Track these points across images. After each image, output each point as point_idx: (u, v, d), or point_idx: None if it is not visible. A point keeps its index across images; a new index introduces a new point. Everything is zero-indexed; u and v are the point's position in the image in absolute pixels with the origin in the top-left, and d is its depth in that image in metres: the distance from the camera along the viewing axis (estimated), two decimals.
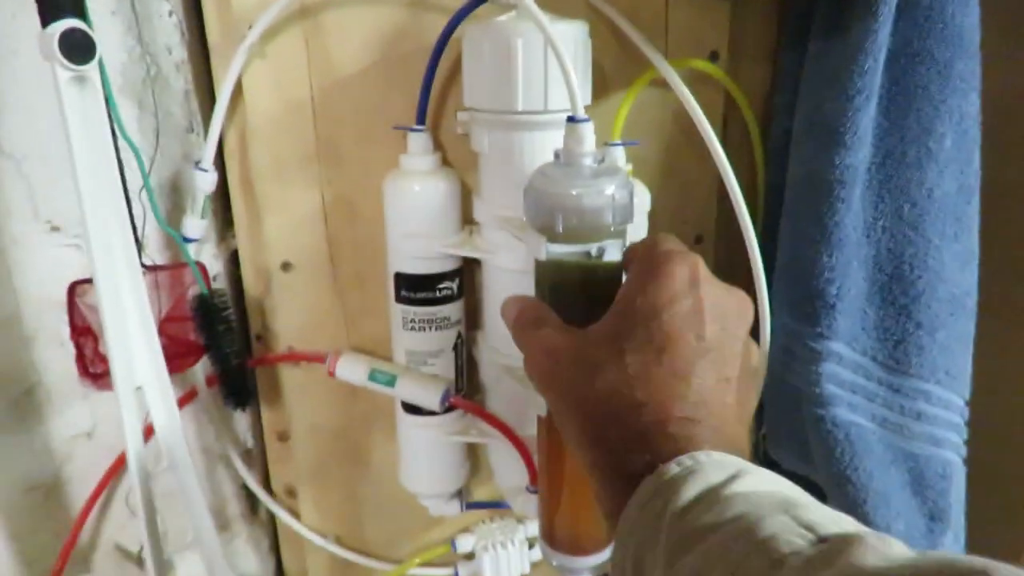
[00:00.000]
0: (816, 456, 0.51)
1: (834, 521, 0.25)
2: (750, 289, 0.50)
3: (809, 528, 0.24)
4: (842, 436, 0.48)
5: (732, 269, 0.59)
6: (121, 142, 0.43)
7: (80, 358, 0.47)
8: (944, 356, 0.49)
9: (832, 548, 0.23)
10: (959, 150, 0.47)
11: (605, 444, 0.30)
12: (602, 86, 0.51)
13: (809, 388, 0.49)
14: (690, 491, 0.27)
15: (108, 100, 0.40)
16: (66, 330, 0.50)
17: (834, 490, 0.50)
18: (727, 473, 0.27)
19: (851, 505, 0.49)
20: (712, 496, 0.26)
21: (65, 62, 0.37)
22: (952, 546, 0.53)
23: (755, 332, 0.53)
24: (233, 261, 0.54)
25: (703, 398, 0.30)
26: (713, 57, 0.53)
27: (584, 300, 0.41)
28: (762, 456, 0.58)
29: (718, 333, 0.32)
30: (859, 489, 0.49)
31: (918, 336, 0.49)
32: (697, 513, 0.26)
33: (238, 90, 0.47)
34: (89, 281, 0.46)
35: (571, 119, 0.38)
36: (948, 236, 0.48)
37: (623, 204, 0.38)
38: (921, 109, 0.46)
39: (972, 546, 0.54)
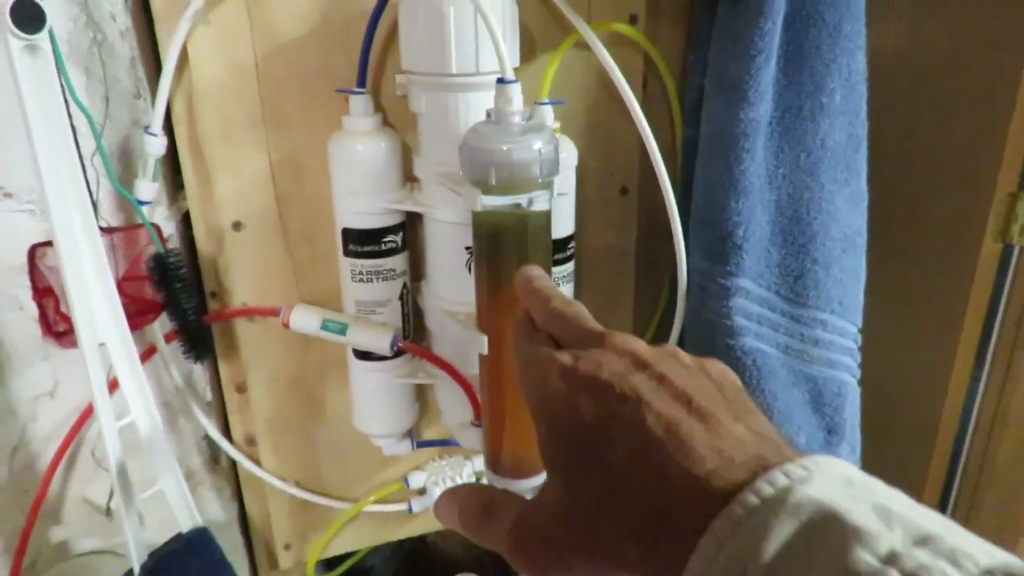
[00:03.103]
0: None
1: (986, 552, 0.21)
2: (668, 235, 0.56)
3: (954, 558, 0.20)
4: (750, 362, 0.55)
5: (655, 218, 0.65)
6: (73, 108, 0.45)
7: (43, 318, 0.49)
8: (838, 288, 0.56)
9: None
10: (848, 103, 0.53)
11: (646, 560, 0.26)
12: (530, 48, 0.54)
13: (721, 321, 0.54)
14: (774, 531, 0.22)
15: (60, 68, 0.42)
16: (23, 294, 0.52)
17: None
18: (788, 484, 0.23)
19: None
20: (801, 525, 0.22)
21: (17, 32, 0.39)
22: (848, 457, 0.60)
23: (672, 275, 0.58)
24: (185, 222, 0.56)
25: (679, 439, 0.26)
26: (633, 20, 0.57)
27: (517, 246, 0.45)
28: None
29: (617, 386, 0.28)
30: (765, 409, 0.55)
31: (814, 271, 0.55)
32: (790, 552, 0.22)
33: (183, 56, 0.49)
34: (48, 244, 0.49)
35: (500, 81, 0.42)
36: (839, 181, 0.54)
37: (550, 158, 0.43)
38: (814, 67, 0.51)
39: (867, 457, 0.62)
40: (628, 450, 0.26)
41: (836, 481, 0.23)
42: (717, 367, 0.30)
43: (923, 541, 0.21)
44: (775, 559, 0.22)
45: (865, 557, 0.21)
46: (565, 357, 0.30)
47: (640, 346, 0.30)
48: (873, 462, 0.62)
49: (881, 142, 0.55)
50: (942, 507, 0.70)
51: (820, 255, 0.54)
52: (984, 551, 0.21)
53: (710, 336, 0.56)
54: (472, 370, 0.55)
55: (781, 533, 0.22)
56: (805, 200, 0.54)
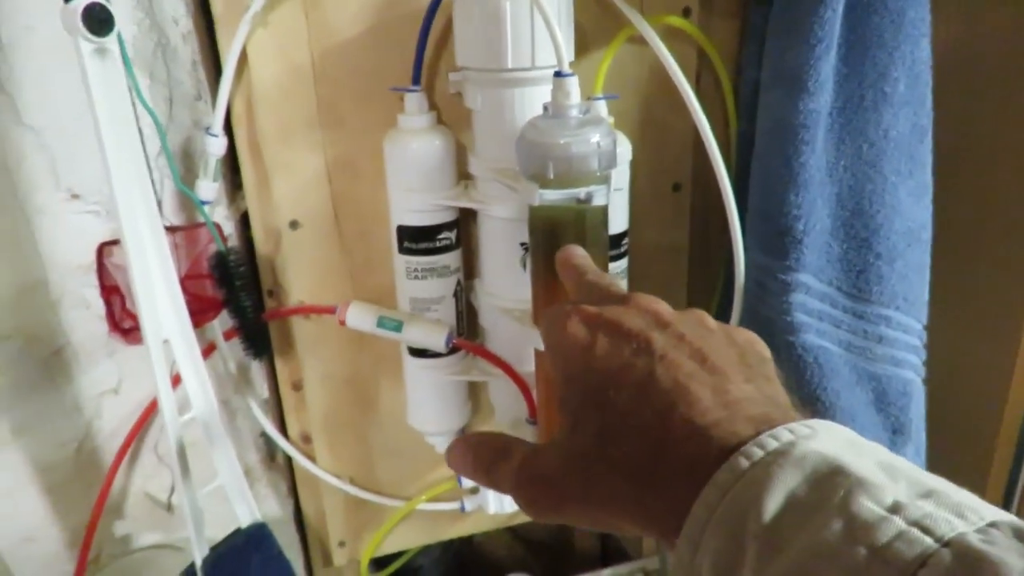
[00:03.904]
0: (787, 380, 0.56)
1: (991, 510, 0.21)
2: (724, 230, 0.55)
3: (959, 511, 0.20)
4: (811, 360, 0.53)
5: (708, 214, 0.64)
6: (138, 110, 0.46)
7: (110, 315, 0.50)
8: (902, 284, 0.54)
9: None
10: (912, 93, 0.52)
11: (643, 502, 0.26)
12: (583, 44, 0.54)
13: (780, 317, 0.53)
14: (777, 481, 0.22)
15: (127, 70, 0.43)
16: (89, 293, 0.54)
17: (804, 410, 0.55)
18: (794, 437, 0.23)
19: None
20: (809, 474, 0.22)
21: (88, 35, 0.40)
22: (914, 458, 0.58)
23: (727, 271, 0.57)
24: (243, 222, 0.57)
25: (680, 387, 0.26)
26: (686, 13, 0.56)
27: (575, 240, 0.45)
28: None
29: (635, 336, 0.29)
30: (827, 407, 0.54)
31: (878, 266, 0.53)
32: (790, 506, 0.22)
33: (243, 58, 0.50)
34: (115, 242, 0.50)
35: (558, 74, 0.42)
36: (903, 173, 0.53)
37: (608, 151, 0.42)
38: (876, 56, 0.50)
39: (932, 458, 0.60)
40: (632, 396, 0.27)
41: (840, 440, 0.24)
42: (744, 335, 0.30)
43: (927, 494, 0.21)
44: (778, 508, 0.22)
45: (869, 505, 0.21)
46: (589, 308, 0.31)
47: (664, 307, 0.31)
48: (931, 464, 0.60)
49: (939, 136, 0.54)
50: (1005, 509, 0.67)
51: (883, 249, 0.53)
52: (989, 508, 0.21)
53: (769, 333, 0.55)
54: (526, 368, 0.55)
55: (784, 483, 0.22)
56: (867, 192, 0.52)
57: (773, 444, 0.23)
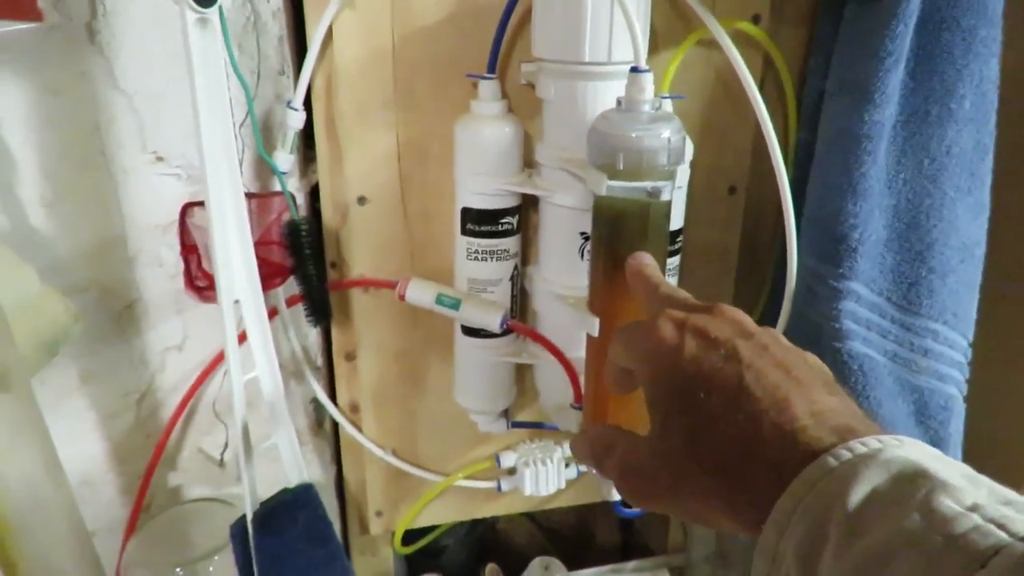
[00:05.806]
0: None
1: None
2: (775, 235, 0.56)
3: None
4: (856, 367, 0.54)
5: (760, 218, 0.65)
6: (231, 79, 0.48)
7: (187, 272, 0.53)
8: (952, 299, 0.55)
9: None
10: (977, 111, 0.52)
11: (731, 500, 0.29)
12: (653, 44, 0.55)
13: (828, 323, 0.54)
14: (861, 478, 0.24)
15: (226, 41, 0.46)
16: (165, 252, 0.56)
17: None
18: (881, 445, 0.25)
19: None
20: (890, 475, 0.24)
21: (194, 5, 0.43)
22: None
23: (776, 275, 0.58)
24: (312, 194, 0.59)
25: (772, 398, 0.28)
26: (756, 19, 0.57)
27: (637, 233, 0.46)
28: None
29: (728, 344, 0.31)
30: (868, 416, 0.55)
31: (930, 280, 0.54)
32: (873, 498, 0.24)
33: (327, 37, 0.52)
34: (199, 204, 0.52)
35: (634, 69, 0.43)
36: (963, 190, 0.53)
37: (677, 147, 0.44)
38: (944, 72, 0.51)
39: None
40: (723, 400, 0.29)
41: (927, 453, 0.26)
42: (814, 358, 0.33)
43: (1007, 503, 0.23)
44: (860, 501, 0.24)
45: (949, 503, 0.23)
46: (677, 312, 0.33)
47: (747, 319, 0.33)
48: None
49: (1000, 154, 0.54)
50: None
51: (937, 263, 0.54)
52: None
53: (815, 338, 0.56)
54: (576, 354, 0.56)
55: (869, 479, 0.24)
56: (925, 207, 0.53)
57: (861, 449, 0.25)
